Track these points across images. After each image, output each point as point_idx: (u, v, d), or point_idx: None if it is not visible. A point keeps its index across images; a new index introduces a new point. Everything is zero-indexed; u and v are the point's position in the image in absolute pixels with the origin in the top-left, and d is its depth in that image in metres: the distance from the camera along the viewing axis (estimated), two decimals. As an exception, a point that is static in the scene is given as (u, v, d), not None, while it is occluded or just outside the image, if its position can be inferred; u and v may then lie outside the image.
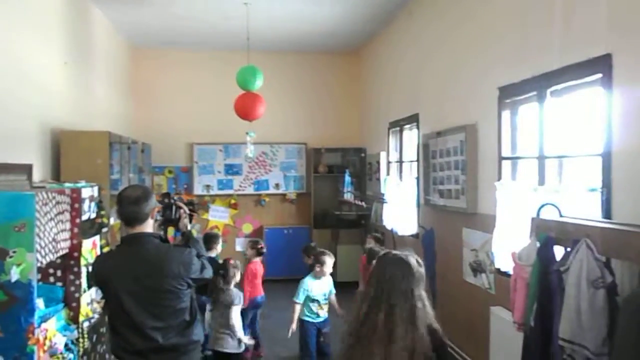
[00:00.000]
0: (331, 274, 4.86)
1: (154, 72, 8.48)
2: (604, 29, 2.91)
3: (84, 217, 3.70)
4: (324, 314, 4.73)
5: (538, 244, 2.69)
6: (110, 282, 2.55)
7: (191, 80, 8.51)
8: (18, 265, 2.83)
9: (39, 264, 2.91)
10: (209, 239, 5.19)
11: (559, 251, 2.60)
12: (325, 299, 4.74)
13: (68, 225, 3.40)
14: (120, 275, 2.53)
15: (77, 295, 3.44)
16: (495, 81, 4.10)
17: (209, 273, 2.73)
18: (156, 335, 2.55)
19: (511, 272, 3.09)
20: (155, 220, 2.78)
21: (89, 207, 3.89)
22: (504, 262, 3.91)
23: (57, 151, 4.75)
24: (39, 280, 3.03)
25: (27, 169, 3.83)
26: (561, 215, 2.82)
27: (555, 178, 3.49)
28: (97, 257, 2.83)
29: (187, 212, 3.07)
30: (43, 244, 2.95)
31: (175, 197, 3.15)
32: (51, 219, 3.08)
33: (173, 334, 2.59)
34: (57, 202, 3.23)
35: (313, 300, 4.68)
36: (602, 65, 2.90)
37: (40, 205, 2.93)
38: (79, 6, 5.63)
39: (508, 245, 3.68)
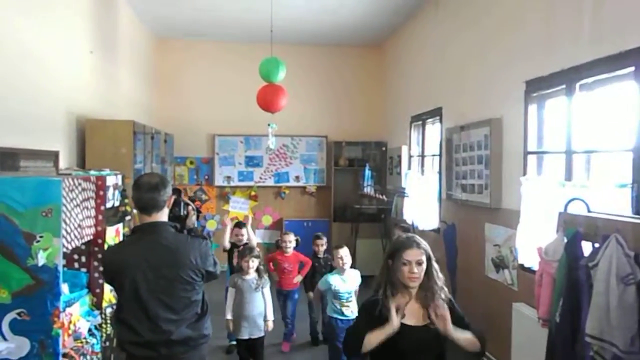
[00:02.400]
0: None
1: (177, 63, 8.53)
2: (636, 20, 2.83)
3: (108, 205, 3.74)
4: (349, 312, 4.41)
5: (565, 239, 2.64)
6: (125, 272, 2.46)
7: (214, 72, 8.54)
8: (45, 249, 2.87)
9: (64, 250, 2.95)
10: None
11: (586, 247, 2.55)
12: (351, 297, 4.46)
13: (93, 212, 3.44)
14: (136, 264, 2.45)
15: (100, 281, 3.48)
16: (522, 74, 4.03)
17: (218, 269, 2.67)
18: (170, 327, 2.48)
19: (535, 268, 3.04)
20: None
21: (113, 195, 3.93)
22: (528, 258, 3.86)
23: (83, 139, 4.82)
24: (63, 266, 3.07)
25: (53, 156, 3.89)
26: (589, 211, 2.76)
27: (583, 173, 3.42)
28: (109, 248, 2.74)
29: (195, 209, 3.18)
30: (69, 230, 2.99)
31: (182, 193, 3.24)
32: (77, 205, 3.12)
33: (185, 327, 2.53)
34: (83, 189, 3.28)
35: (336, 297, 4.43)
36: (634, 58, 2.82)
37: (67, 191, 2.97)
38: (105, -4, 5.69)
39: (532, 240, 3.62)
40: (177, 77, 8.52)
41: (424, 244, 2.48)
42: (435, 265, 2.48)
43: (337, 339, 4.36)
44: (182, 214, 3.04)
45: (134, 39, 7.04)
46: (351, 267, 4.58)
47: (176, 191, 2.99)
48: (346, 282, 4.46)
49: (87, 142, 4.82)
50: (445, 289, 2.49)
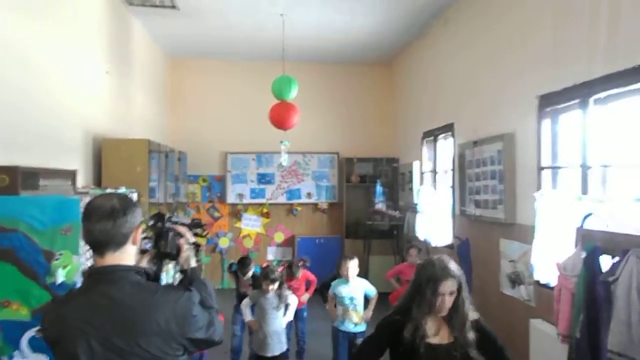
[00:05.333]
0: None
1: (190, 82, 8.65)
2: (651, 35, 2.85)
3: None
4: (353, 321, 4.47)
5: (584, 254, 2.62)
6: (64, 341, 1.65)
7: (226, 90, 8.64)
8: (64, 267, 2.91)
9: (83, 267, 2.98)
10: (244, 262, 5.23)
11: (606, 262, 2.53)
12: (354, 305, 4.49)
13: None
14: (79, 330, 1.63)
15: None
16: (535, 89, 4.04)
17: (218, 333, 1.84)
18: None
19: (552, 284, 3.02)
20: (142, 252, 1.95)
21: (129, 212, 3.97)
22: (544, 274, 3.82)
23: (99, 158, 4.88)
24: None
25: (71, 175, 3.94)
26: (607, 226, 2.75)
27: (599, 188, 3.40)
28: (50, 303, 1.80)
29: (191, 240, 2.05)
30: (87, 248, 3.02)
31: (173, 219, 2.11)
32: (95, 223, 3.15)
33: None
34: (101, 207, 3.31)
35: (340, 302, 4.50)
36: (649, 71, 2.82)
37: (85, 209, 3.00)
38: (120, 19, 5.81)
39: (548, 256, 3.60)
40: (190, 96, 8.63)
41: (457, 272, 2.39)
42: (465, 290, 2.40)
43: (337, 350, 4.51)
44: (167, 250, 1.97)
45: (148, 59, 7.16)
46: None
47: (157, 217, 2.01)
48: (349, 287, 4.51)
49: (103, 160, 4.89)
50: (474, 312, 2.43)
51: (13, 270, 2.88)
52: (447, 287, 2.34)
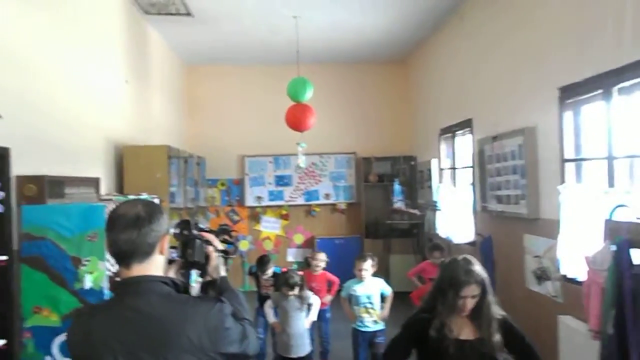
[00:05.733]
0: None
1: (206, 88, 8.71)
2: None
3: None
4: (370, 320, 4.49)
5: (613, 248, 2.58)
6: (90, 357, 1.57)
7: (242, 95, 8.69)
8: (91, 273, 2.95)
9: (109, 273, 3.02)
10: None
11: (636, 255, 2.49)
12: (371, 303, 4.51)
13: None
14: (105, 346, 1.54)
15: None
16: (555, 81, 3.98)
17: (252, 346, 1.72)
18: None
19: (580, 279, 2.97)
20: (170, 262, 1.82)
21: (152, 218, 4.01)
22: (572, 269, 3.76)
23: (121, 165, 4.95)
24: (109, 289, 3.14)
25: (95, 183, 4.00)
26: (637, 218, 2.69)
27: (626, 179, 3.34)
28: (77, 314, 1.72)
29: (219, 247, 1.95)
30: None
31: (201, 225, 2.01)
32: (120, 229, 3.19)
33: None
34: (125, 213, 3.35)
35: (356, 303, 4.51)
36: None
37: (110, 216, 3.04)
38: (138, 29, 5.88)
39: (575, 250, 3.54)
40: (206, 102, 8.70)
41: (481, 276, 2.37)
42: (490, 294, 2.38)
43: (357, 352, 4.52)
44: (196, 259, 1.85)
45: (165, 66, 7.23)
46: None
47: (184, 224, 1.90)
48: (364, 286, 4.54)
49: (124, 168, 4.95)
50: (501, 312, 2.42)
51: (43, 278, 2.93)
52: (470, 291, 2.33)
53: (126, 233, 1.57)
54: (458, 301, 2.34)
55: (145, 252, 1.60)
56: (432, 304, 2.43)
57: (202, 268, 1.90)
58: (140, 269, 1.61)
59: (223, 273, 1.91)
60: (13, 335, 2.90)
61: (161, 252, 1.66)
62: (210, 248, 1.90)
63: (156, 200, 4.40)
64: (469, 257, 2.47)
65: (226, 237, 2.07)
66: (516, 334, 2.40)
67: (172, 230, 1.83)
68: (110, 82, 4.92)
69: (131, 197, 4.20)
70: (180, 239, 1.87)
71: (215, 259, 1.90)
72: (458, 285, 2.33)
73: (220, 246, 1.95)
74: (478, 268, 2.39)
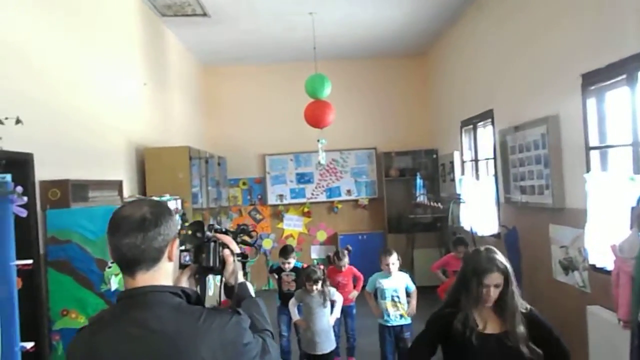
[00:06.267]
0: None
1: (225, 88, 8.77)
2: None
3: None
4: (396, 314, 4.50)
5: (641, 235, 2.51)
6: None
7: (260, 93, 8.72)
8: (116, 275, 3.00)
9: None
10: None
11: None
12: (397, 297, 4.52)
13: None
14: None
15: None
16: (577, 68, 3.89)
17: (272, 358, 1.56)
18: None
19: (609, 268, 2.91)
20: (182, 267, 1.68)
21: (175, 219, 4.06)
22: (600, 258, 3.68)
23: (142, 167, 5.02)
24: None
25: (117, 185, 4.07)
26: (665, 204, 2.62)
27: (654, 165, 3.25)
28: (78, 332, 1.51)
29: (236, 250, 1.77)
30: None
31: (216, 226, 1.83)
32: (143, 230, 3.23)
33: None
34: (147, 215, 3.40)
35: (382, 297, 4.52)
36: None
37: (133, 217, 3.08)
38: (154, 30, 5.94)
39: (603, 239, 3.46)
40: (225, 102, 8.75)
41: (503, 261, 2.37)
42: (513, 284, 2.37)
43: (384, 348, 4.54)
44: (210, 264, 1.68)
45: (183, 68, 7.29)
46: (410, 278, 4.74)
47: (196, 225, 1.72)
48: (391, 280, 4.55)
49: (146, 169, 5.02)
50: (526, 304, 2.40)
51: (69, 281, 2.99)
52: (493, 279, 2.32)
53: (130, 237, 1.40)
54: (481, 290, 2.32)
55: (152, 259, 1.44)
56: (456, 297, 2.41)
57: (219, 274, 1.72)
58: (146, 278, 1.44)
59: (241, 279, 1.73)
60: (42, 337, 2.96)
61: (170, 259, 1.48)
62: (227, 251, 1.71)
63: (179, 201, 4.46)
64: (492, 247, 2.45)
65: (246, 237, 1.92)
66: (543, 327, 2.37)
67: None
68: (130, 85, 4.98)
69: (154, 198, 4.26)
70: (193, 242, 1.69)
71: (232, 264, 1.71)
72: (481, 273, 2.32)
73: (238, 249, 1.77)
74: (501, 257, 2.39)
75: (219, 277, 1.76)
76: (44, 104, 3.27)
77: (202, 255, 1.67)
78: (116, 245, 1.42)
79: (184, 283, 1.64)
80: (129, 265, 1.43)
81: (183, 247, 1.64)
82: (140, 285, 1.43)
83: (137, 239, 1.40)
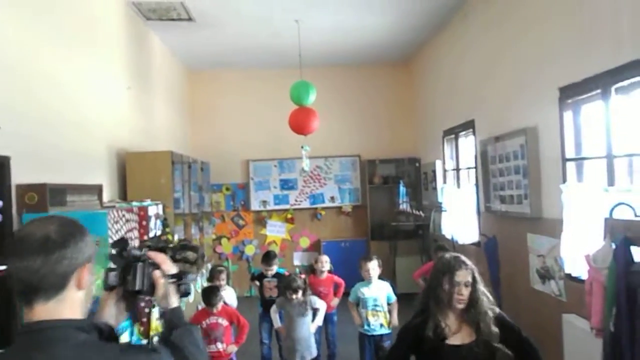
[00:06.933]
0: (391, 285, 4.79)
1: (209, 93, 8.75)
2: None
3: (151, 234, 3.85)
4: (376, 323, 4.52)
5: (613, 246, 2.57)
6: None
7: (245, 99, 8.72)
8: (95, 280, 2.97)
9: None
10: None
11: (636, 252, 2.48)
12: (377, 305, 4.54)
13: (137, 242, 3.54)
14: None
15: (147, 310, 3.56)
16: (555, 81, 3.98)
17: None
18: None
19: (584, 277, 2.96)
20: (110, 289, 1.51)
21: (155, 224, 4.05)
22: (575, 267, 3.75)
23: (123, 171, 4.97)
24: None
25: (97, 189, 4.03)
26: (636, 215, 2.68)
27: (626, 177, 3.33)
28: None
29: (170, 271, 1.57)
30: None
31: (150, 243, 1.68)
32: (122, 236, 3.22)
33: None
34: (127, 220, 3.38)
35: (363, 306, 4.55)
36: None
37: (112, 223, 3.07)
38: (139, 34, 5.92)
39: (578, 249, 3.53)
40: (209, 107, 8.73)
41: (470, 263, 2.48)
42: (481, 284, 2.46)
43: (364, 356, 4.54)
44: (137, 287, 1.49)
45: (168, 72, 7.27)
46: (391, 285, 4.74)
47: (120, 243, 1.56)
48: (371, 288, 4.57)
49: (127, 174, 4.98)
50: (494, 306, 2.46)
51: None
52: (463, 275, 2.40)
53: (28, 260, 1.18)
54: (453, 290, 2.38)
55: (53, 287, 1.21)
56: (426, 302, 2.46)
57: (149, 295, 1.54)
58: (46, 310, 1.21)
59: (175, 304, 1.54)
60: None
61: (79, 287, 1.26)
62: (157, 273, 1.52)
63: (160, 206, 4.43)
64: (458, 253, 2.59)
65: (187, 254, 1.71)
66: (511, 329, 2.44)
67: (109, 251, 1.54)
68: (112, 88, 4.95)
69: (134, 203, 4.23)
70: (117, 262, 1.52)
71: (163, 287, 1.52)
72: (452, 271, 2.41)
73: (173, 269, 1.58)
74: (466, 259, 2.50)
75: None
76: (21, 107, 3.22)
77: (127, 277, 1.49)
78: (14, 270, 1.21)
79: (111, 308, 1.50)
80: (25, 293, 1.22)
81: (110, 266, 1.50)
82: (38, 318, 1.22)
83: (35, 262, 1.19)
